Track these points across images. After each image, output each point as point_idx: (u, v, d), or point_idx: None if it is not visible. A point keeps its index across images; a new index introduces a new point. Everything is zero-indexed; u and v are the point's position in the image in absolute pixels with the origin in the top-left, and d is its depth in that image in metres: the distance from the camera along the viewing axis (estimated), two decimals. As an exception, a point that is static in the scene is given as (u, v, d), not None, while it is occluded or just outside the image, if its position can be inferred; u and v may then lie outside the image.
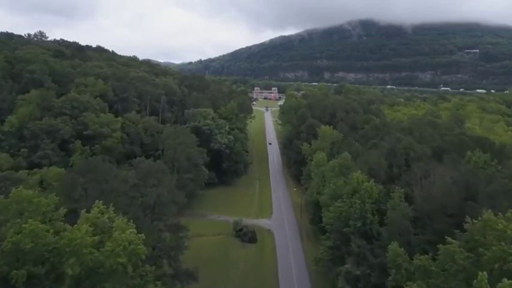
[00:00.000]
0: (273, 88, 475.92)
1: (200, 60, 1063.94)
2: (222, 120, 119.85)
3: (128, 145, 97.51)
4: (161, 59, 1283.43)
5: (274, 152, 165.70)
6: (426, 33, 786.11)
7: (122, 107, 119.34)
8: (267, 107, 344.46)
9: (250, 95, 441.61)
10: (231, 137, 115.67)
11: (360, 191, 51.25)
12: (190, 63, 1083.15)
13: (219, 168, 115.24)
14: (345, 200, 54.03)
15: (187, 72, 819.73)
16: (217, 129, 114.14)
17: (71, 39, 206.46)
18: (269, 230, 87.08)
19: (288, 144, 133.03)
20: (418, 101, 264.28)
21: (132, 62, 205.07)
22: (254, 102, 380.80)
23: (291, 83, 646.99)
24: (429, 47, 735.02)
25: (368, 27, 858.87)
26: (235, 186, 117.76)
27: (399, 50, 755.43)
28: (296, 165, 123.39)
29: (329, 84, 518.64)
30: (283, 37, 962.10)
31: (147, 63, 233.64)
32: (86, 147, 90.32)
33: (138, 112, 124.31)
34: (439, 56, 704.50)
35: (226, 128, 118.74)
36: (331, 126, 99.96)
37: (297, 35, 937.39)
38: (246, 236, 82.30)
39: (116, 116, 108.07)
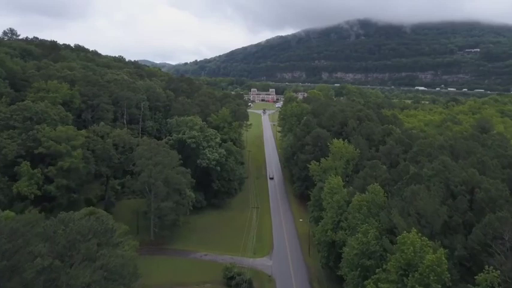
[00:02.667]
0: (270, 90, 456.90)
1: (196, 61, 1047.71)
2: (212, 131, 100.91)
3: (93, 165, 78.34)
4: (157, 60, 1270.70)
5: (273, 163, 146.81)
6: (426, 33, 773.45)
7: (92, 116, 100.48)
8: (264, 110, 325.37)
9: (246, 96, 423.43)
10: (223, 150, 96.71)
11: (420, 267, 32.39)
12: (186, 64, 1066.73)
13: (208, 189, 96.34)
14: (393, 280, 34.94)
15: (183, 73, 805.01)
16: (205, 141, 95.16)
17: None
18: (270, 276, 68.02)
19: (290, 158, 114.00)
20: (427, 103, 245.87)
21: (114, 62, 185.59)
22: (251, 105, 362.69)
23: (289, 83, 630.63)
24: (429, 47, 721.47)
25: (366, 26, 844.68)
26: (228, 209, 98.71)
27: (399, 49, 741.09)
28: (300, 183, 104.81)
29: (328, 85, 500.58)
30: (280, 37, 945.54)
31: (134, 63, 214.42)
32: (36, 169, 71.54)
33: (113, 121, 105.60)
34: (439, 56, 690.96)
35: (217, 139, 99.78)
36: (344, 140, 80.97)
37: (294, 35, 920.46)
38: (240, 286, 63.43)
39: (85, 127, 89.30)
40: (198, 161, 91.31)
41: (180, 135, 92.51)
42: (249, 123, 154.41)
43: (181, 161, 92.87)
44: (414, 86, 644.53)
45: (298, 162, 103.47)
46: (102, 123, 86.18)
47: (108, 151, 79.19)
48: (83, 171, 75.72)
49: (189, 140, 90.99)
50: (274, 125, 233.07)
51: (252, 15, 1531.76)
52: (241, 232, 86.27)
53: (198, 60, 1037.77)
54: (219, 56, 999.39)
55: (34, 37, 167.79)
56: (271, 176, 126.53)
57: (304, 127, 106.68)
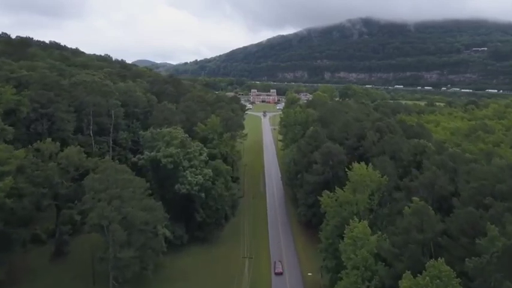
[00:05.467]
0: (271, 90, 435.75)
1: (196, 60, 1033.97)
2: (197, 145, 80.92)
3: (30, 199, 58.34)
4: (158, 60, 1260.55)
5: (273, 177, 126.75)
6: (431, 32, 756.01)
7: (49, 128, 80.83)
8: (264, 112, 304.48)
9: (246, 97, 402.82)
10: (209, 171, 76.61)
11: None
12: (186, 63, 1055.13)
13: (191, 220, 76.48)
14: None
15: (183, 73, 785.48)
16: (187, 160, 75.17)
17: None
18: None
19: (293, 177, 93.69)
20: (442, 105, 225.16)
21: (96, 62, 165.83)
22: (250, 106, 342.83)
23: (290, 83, 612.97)
24: (434, 46, 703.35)
25: (369, 25, 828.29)
26: (216, 244, 78.63)
27: (403, 48, 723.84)
28: (305, 208, 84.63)
29: (332, 85, 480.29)
30: (282, 36, 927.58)
31: (120, 63, 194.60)
32: None
33: (76, 133, 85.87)
34: (445, 55, 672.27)
35: (203, 156, 79.81)
36: (368, 165, 60.63)
37: (296, 34, 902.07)
38: None
39: (38, 141, 69.31)
40: (176, 186, 71.29)
41: (153, 154, 72.55)
42: (245, 131, 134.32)
43: (155, 187, 74.10)
44: (419, 85, 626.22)
45: (303, 184, 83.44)
46: (49, 139, 66.15)
47: (51, 178, 59.26)
48: (14, 207, 55.92)
49: (165, 160, 71.02)
50: (274, 129, 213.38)
51: (252, 14, 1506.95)
52: (231, 280, 66.45)
53: (199, 60, 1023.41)
54: (219, 55, 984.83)
55: (3, 33, 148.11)
56: (278, 271, 70.54)
57: (310, 140, 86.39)
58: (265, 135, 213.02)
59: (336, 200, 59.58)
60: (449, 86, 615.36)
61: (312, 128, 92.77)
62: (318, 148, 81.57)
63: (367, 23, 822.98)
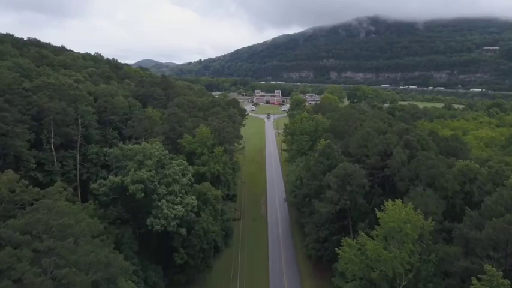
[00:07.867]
0: (276, 91, 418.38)
1: (200, 60, 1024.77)
2: (178, 165, 64.17)
3: None
4: (163, 60, 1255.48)
5: (277, 195, 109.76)
6: (440, 30, 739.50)
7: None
8: (268, 114, 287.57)
9: (250, 98, 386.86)
10: (193, 199, 59.90)
11: None
12: (190, 63, 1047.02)
13: (170, 261, 60.00)
14: None
15: (187, 73, 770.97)
16: (164, 185, 58.62)
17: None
18: None
19: (301, 201, 76.40)
20: (462, 107, 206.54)
21: (82, 61, 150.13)
22: (254, 108, 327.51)
23: (296, 83, 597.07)
24: (444, 45, 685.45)
25: (377, 24, 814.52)
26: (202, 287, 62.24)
27: (411, 48, 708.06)
28: (314, 242, 68.02)
29: (339, 85, 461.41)
30: (287, 35, 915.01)
31: (110, 62, 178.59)
32: None
33: (31, 148, 69.68)
34: (455, 54, 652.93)
35: (186, 178, 63.18)
36: (403, 202, 43.56)
37: (301, 33, 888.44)
38: None
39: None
40: (148, 221, 54.71)
41: (118, 179, 55.89)
42: (246, 137, 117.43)
43: (127, 218, 58.08)
44: (428, 86, 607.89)
45: (313, 214, 66.49)
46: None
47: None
48: None
49: (134, 187, 54.28)
50: (279, 133, 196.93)
51: (257, 12, 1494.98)
52: None
53: (203, 59, 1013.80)
54: (224, 55, 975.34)
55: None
56: None
57: (322, 157, 69.26)
58: (269, 141, 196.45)
59: (358, 250, 42.60)
60: (459, 86, 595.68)
61: (322, 141, 75.52)
62: (331, 168, 64.53)
63: (375, 21, 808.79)
